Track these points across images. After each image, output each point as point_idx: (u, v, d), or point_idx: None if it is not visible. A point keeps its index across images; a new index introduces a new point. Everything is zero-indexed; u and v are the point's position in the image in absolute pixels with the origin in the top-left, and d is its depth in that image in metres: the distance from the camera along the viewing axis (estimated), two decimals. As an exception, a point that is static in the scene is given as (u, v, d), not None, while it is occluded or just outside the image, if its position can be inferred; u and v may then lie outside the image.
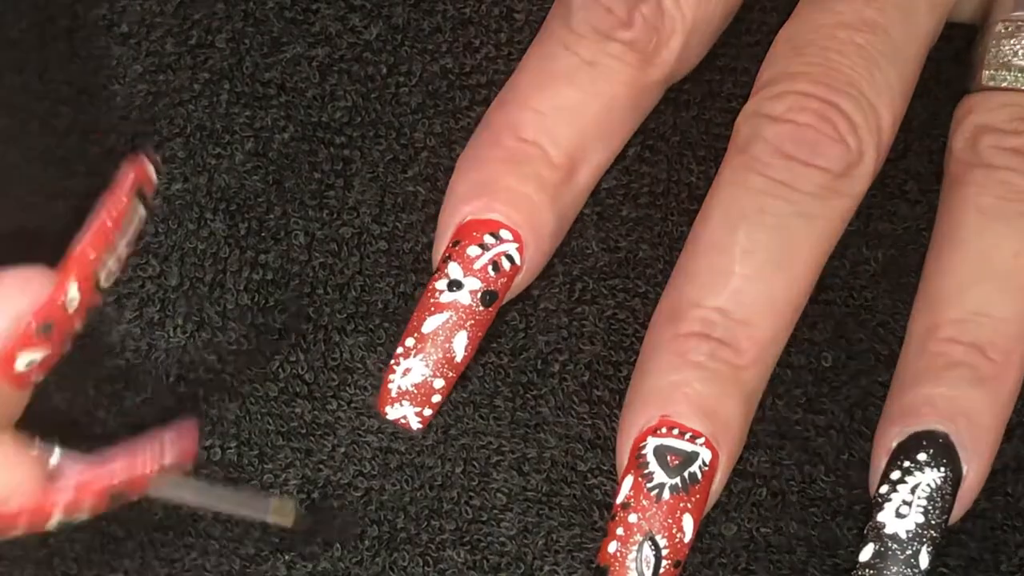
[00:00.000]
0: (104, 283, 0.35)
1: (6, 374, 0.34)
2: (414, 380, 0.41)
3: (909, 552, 0.40)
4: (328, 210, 0.44)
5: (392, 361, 0.41)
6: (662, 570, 0.40)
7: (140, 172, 0.35)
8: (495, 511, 0.42)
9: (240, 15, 0.45)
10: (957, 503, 0.41)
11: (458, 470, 0.42)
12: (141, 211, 0.35)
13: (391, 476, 0.42)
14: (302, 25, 0.45)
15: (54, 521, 0.33)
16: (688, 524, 0.40)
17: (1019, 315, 0.41)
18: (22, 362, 0.34)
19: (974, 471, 0.41)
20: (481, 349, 0.42)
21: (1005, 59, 0.43)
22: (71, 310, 0.34)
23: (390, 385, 0.41)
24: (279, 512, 0.39)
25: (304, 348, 0.43)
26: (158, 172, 0.35)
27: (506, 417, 0.43)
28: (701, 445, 0.40)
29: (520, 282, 0.42)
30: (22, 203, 0.44)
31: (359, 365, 0.43)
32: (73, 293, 0.34)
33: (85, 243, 0.34)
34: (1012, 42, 0.43)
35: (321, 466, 0.42)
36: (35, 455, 0.34)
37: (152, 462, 0.33)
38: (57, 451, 0.35)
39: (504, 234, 0.41)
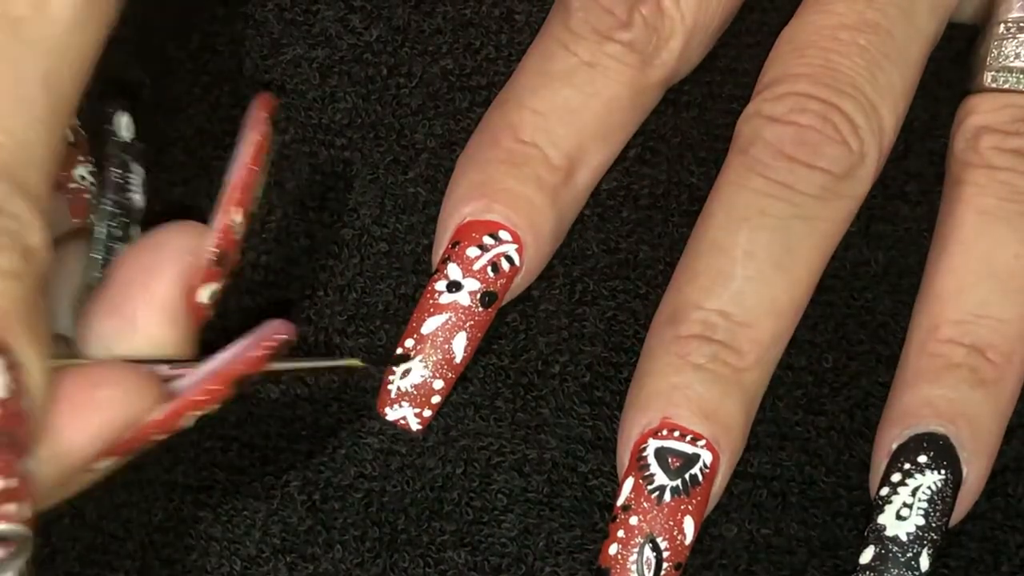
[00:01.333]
0: (255, 208, 0.38)
1: (193, 309, 0.37)
2: (413, 381, 0.41)
3: (910, 555, 0.40)
4: (328, 212, 0.44)
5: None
6: (663, 572, 0.40)
7: (269, 105, 0.38)
8: (496, 512, 0.42)
9: (240, 17, 0.45)
10: (957, 505, 0.41)
11: (459, 471, 0.42)
12: (273, 138, 0.38)
13: (392, 477, 0.42)
14: (302, 27, 0.45)
15: (187, 422, 0.36)
16: (689, 526, 0.40)
17: (1020, 316, 0.41)
18: (203, 295, 0.37)
19: (974, 473, 0.41)
20: (481, 350, 0.42)
21: (1006, 60, 0.43)
22: (237, 237, 0.37)
23: (389, 386, 0.41)
24: (348, 360, 0.41)
25: (305, 350, 0.43)
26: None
27: (507, 418, 0.43)
28: (702, 447, 0.40)
29: (519, 283, 0.42)
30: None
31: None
32: (239, 218, 0.37)
33: (243, 173, 0.37)
34: (1013, 43, 0.43)
35: (322, 468, 0.42)
36: (149, 372, 0.36)
37: (264, 345, 0.36)
38: (164, 367, 0.36)
39: (503, 235, 0.41)
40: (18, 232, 0.33)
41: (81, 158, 0.40)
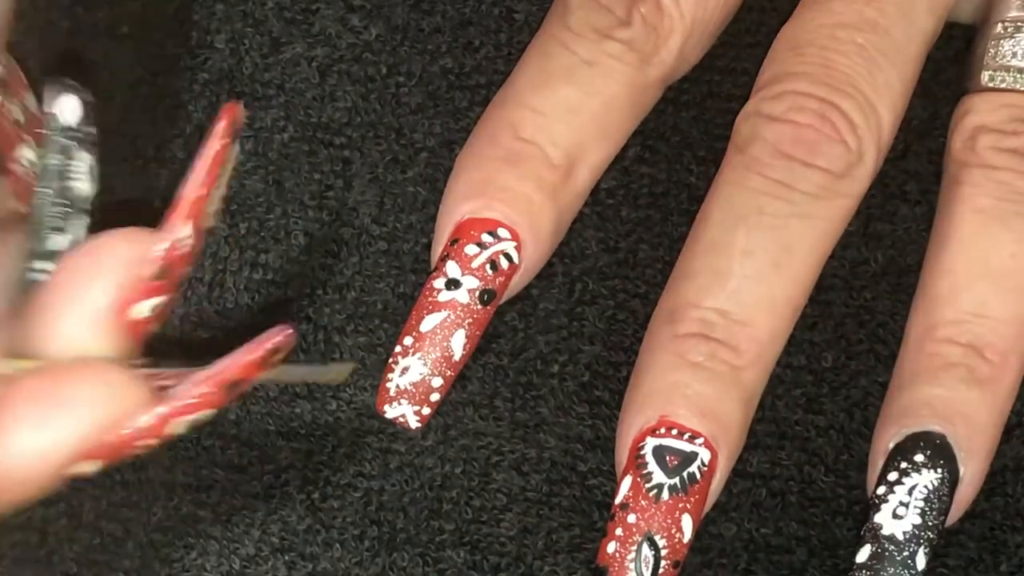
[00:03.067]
0: (207, 223, 0.36)
1: (121, 324, 0.35)
2: (412, 379, 0.41)
3: (906, 553, 0.40)
4: (327, 210, 0.44)
5: (390, 360, 0.41)
6: (661, 570, 0.40)
7: (234, 114, 0.36)
8: (495, 511, 0.42)
9: (239, 16, 0.45)
10: (955, 504, 0.41)
11: (458, 471, 0.42)
12: (236, 151, 0.36)
13: (391, 476, 0.42)
14: (301, 25, 0.45)
15: (179, 428, 0.34)
16: (687, 524, 0.40)
17: (1016, 316, 0.41)
18: (142, 309, 0.36)
19: (972, 472, 0.41)
20: (480, 349, 0.42)
21: (1004, 60, 0.43)
22: (185, 251, 0.36)
23: (388, 384, 0.41)
24: (336, 373, 0.40)
25: (304, 348, 0.43)
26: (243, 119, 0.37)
27: (506, 418, 0.43)
28: (700, 445, 0.40)
29: (518, 281, 0.42)
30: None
31: (359, 365, 0.43)
32: (187, 232, 0.36)
33: (195, 184, 0.36)
34: (1011, 43, 0.43)
35: (321, 467, 0.42)
36: (137, 375, 0.34)
37: (261, 350, 0.34)
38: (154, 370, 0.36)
39: (502, 233, 0.41)
40: None
41: (27, 138, 0.39)
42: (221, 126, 0.36)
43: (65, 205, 0.38)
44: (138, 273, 0.35)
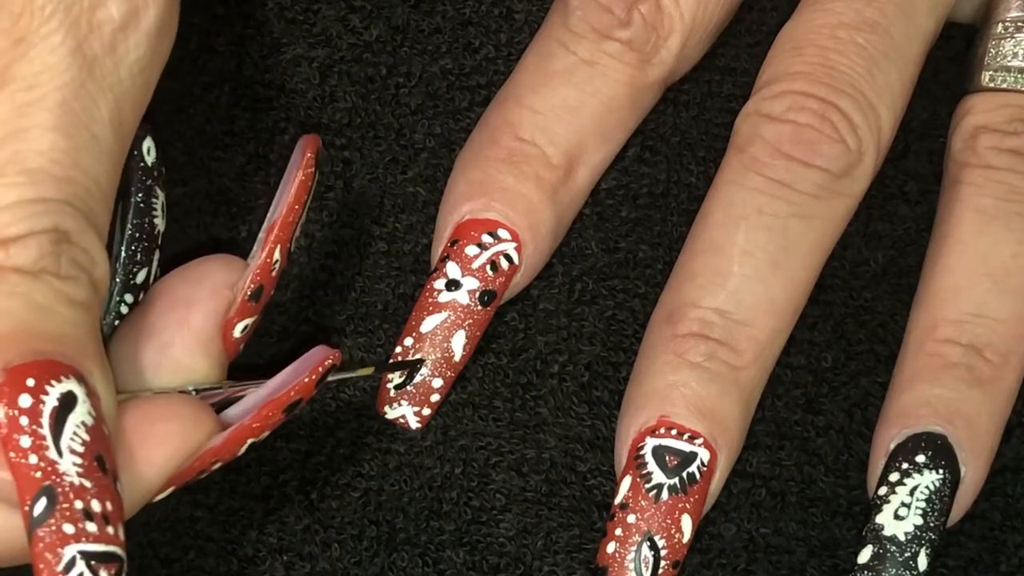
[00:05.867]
0: (293, 247, 0.39)
1: (227, 342, 0.38)
2: (412, 379, 0.41)
3: (908, 554, 0.40)
4: (328, 211, 0.44)
5: (390, 360, 0.41)
6: (661, 570, 0.40)
7: (316, 145, 0.38)
8: (494, 512, 0.42)
9: (240, 17, 0.45)
10: (955, 504, 0.41)
11: (457, 471, 0.42)
12: (316, 179, 0.38)
13: (390, 477, 0.42)
14: (302, 26, 0.45)
15: (243, 448, 0.36)
16: (687, 524, 0.40)
17: (1017, 316, 0.41)
18: (238, 329, 0.38)
19: (972, 472, 0.41)
20: (480, 350, 0.42)
21: (1004, 60, 0.43)
22: (276, 273, 0.38)
23: (389, 385, 0.41)
24: (363, 370, 0.41)
25: (304, 350, 0.43)
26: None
27: (505, 418, 0.43)
28: (699, 445, 0.40)
29: (519, 282, 0.42)
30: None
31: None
32: (277, 257, 0.38)
33: (286, 210, 0.38)
34: (1011, 43, 0.43)
35: (320, 467, 0.42)
36: (205, 404, 0.36)
37: (314, 371, 0.36)
38: (221, 389, 0.38)
39: (502, 233, 0.41)
40: (89, 264, 0.34)
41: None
42: (307, 157, 0.38)
43: (146, 241, 0.40)
44: (235, 296, 0.38)
